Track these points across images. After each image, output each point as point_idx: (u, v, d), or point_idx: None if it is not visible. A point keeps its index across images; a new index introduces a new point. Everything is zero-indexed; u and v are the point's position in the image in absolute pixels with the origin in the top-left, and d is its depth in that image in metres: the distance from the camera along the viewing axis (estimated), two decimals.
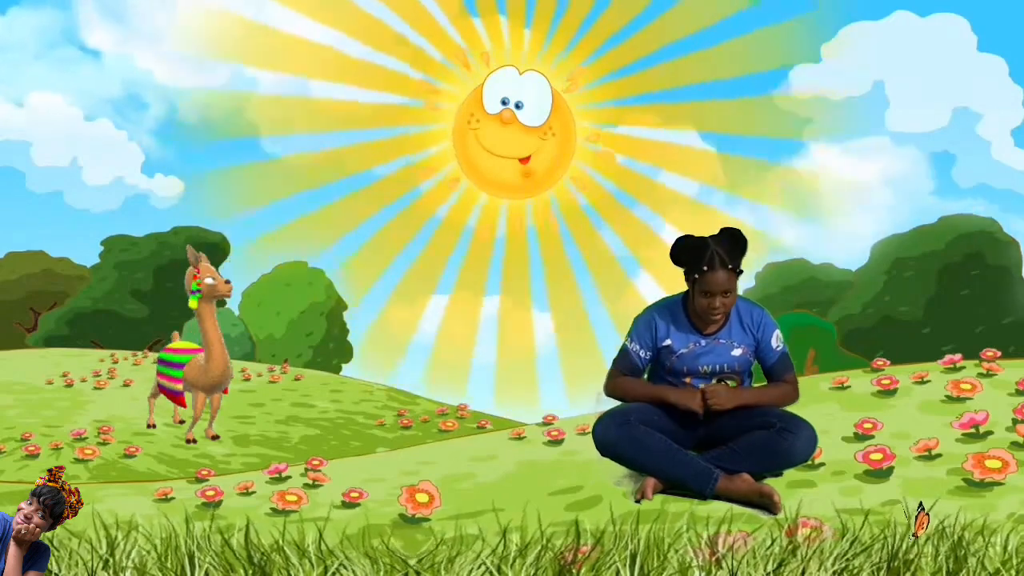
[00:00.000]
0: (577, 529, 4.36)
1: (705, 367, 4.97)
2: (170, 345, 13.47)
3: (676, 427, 4.99)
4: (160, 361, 13.34)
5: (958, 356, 7.66)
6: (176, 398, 13.11)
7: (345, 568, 4.01)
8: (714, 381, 5.00)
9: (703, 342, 4.97)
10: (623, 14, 19.92)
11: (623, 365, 5.11)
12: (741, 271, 4.89)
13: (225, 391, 12.81)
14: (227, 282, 12.24)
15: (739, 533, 4.33)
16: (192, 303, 12.33)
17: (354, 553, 4.35)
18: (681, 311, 5.02)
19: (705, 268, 4.79)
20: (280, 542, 4.46)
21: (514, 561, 4.02)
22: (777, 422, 4.91)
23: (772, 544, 4.19)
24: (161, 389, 13.26)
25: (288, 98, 20.54)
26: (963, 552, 3.97)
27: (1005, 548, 4.13)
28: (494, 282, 20.38)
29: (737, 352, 4.97)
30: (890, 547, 4.06)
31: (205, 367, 12.31)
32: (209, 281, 12.10)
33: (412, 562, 4.17)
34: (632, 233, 20.07)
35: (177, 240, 26.90)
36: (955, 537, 4.14)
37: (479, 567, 3.98)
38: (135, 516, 5.53)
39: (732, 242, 4.85)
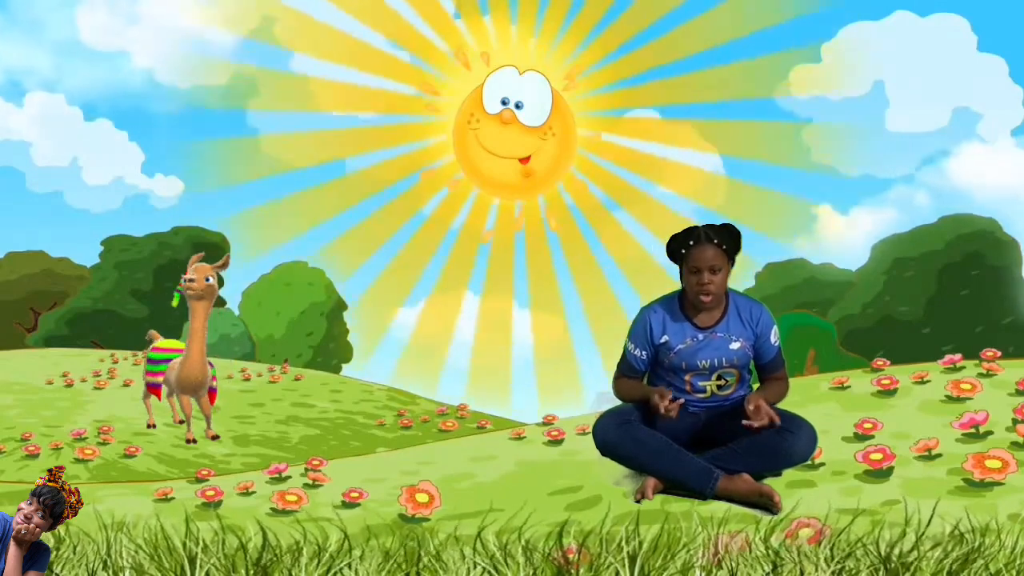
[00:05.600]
0: (560, 531, 4.36)
1: (704, 362, 4.98)
2: (156, 344, 13.71)
3: (676, 427, 5.00)
4: (148, 360, 13.60)
5: (958, 356, 7.65)
6: (153, 390, 13.35)
7: (349, 568, 4.01)
8: (714, 377, 5.00)
9: (700, 336, 4.98)
10: (628, 22, 19.92)
11: (624, 367, 5.13)
12: (732, 259, 4.93)
13: (212, 398, 12.82)
14: (205, 280, 12.01)
15: (732, 533, 4.33)
16: (175, 300, 12.39)
17: (369, 551, 4.35)
18: (677, 307, 5.03)
19: (692, 243, 4.87)
20: (300, 543, 4.46)
21: (507, 561, 4.01)
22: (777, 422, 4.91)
23: (752, 547, 4.19)
24: (147, 386, 13.50)
25: (292, 133, 20.58)
26: (973, 557, 3.96)
27: (1013, 549, 4.13)
28: (477, 280, 20.41)
29: (735, 346, 4.98)
30: (879, 549, 4.05)
31: (180, 368, 12.39)
32: (185, 279, 12.08)
33: (424, 560, 4.17)
34: (650, 217, 20.02)
35: (177, 240, 26.91)
36: (974, 544, 4.13)
37: (475, 567, 3.97)
38: (129, 516, 5.53)
39: (723, 227, 4.93)
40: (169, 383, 12.85)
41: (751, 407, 4.81)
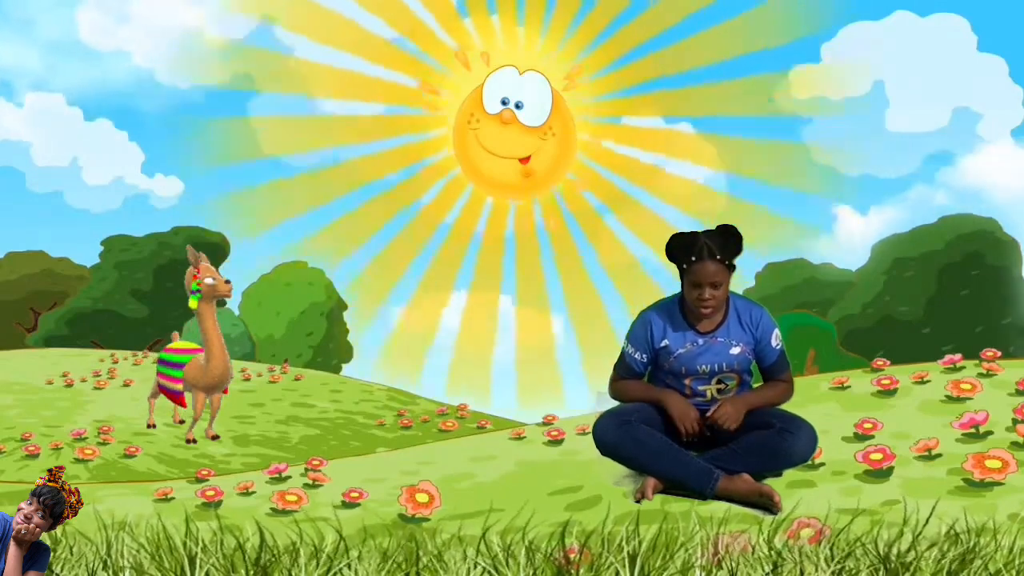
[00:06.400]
0: (563, 531, 4.36)
1: (703, 367, 4.96)
2: (170, 345, 13.54)
3: (676, 427, 4.99)
4: (160, 361, 13.41)
5: (958, 356, 7.65)
6: (176, 398, 13.19)
7: (348, 568, 4.01)
8: (713, 382, 4.99)
9: (701, 341, 4.96)
10: (615, 5, 19.92)
11: (622, 369, 5.11)
12: (734, 266, 4.90)
13: (225, 391, 12.87)
14: (227, 282, 12.34)
15: (734, 534, 4.33)
16: (192, 303, 12.42)
17: (367, 551, 4.35)
18: (678, 311, 5.01)
19: (693, 258, 4.82)
20: (298, 544, 4.46)
21: (507, 561, 4.01)
22: (777, 422, 4.91)
23: (755, 549, 4.19)
24: (161, 389, 13.33)
25: (290, 117, 20.59)
26: (971, 556, 3.96)
27: (1011, 549, 4.13)
28: (509, 282, 20.42)
29: (735, 351, 4.96)
30: (877, 549, 4.05)
31: (205, 367, 12.40)
32: (209, 281, 12.18)
33: (424, 560, 4.17)
34: (642, 225, 20.05)
35: (177, 240, 26.92)
36: (970, 544, 4.13)
37: (475, 567, 3.97)
38: (130, 516, 5.53)
39: (724, 236, 4.87)
40: (190, 384, 12.78)
41: (719, 418, 4.84)
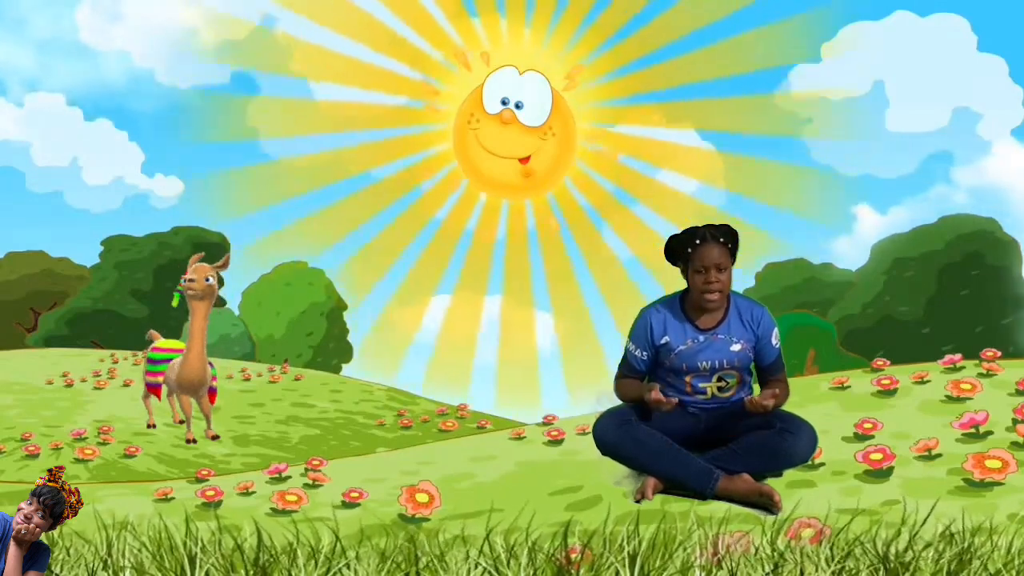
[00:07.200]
0: (565, 531, 4.36)
1: (704, 364, 4.96)
2: (156, 344, 13.74)
3: (676, 427, 4.99)
4: (148, 360, 13.63)
5: (958, 356, 7.66)
6: (153, 390, 13.39)
7: (348, 568, 4.01)
8: (714, 379, 4.99)
9: (701, 338, 4.96)
10: (623, 12, 19.94)
11: (625, 368, 5.12)
12: (734, 256, 4.91)
13: (212, 399, 12.81)
14: (205, 280, 12.03)
15: (737, 533, 4.33)
16: (175, 300, 12.43)
17: (365, 551, 4.35)
18: (679, 308, 5.00)
19: (697, 241, 4.84)
20: (295, 544, 4.45)
21: (508, 561, 4.01)
22: (777, 422, 4.90)
23: (757, 550, 4.19)
24: (148, 387, 13.53)
25: (288, 100, 20.58)
26: (968, 556, 3.96)
27: (1009, 550, 4.13)
28: (495, 282, 20.40)
29: (736, 348, 4.96)
30: (876, 548, 4.05)
31: (180, 368, 12.42)
32: (185, 279, 12.12)
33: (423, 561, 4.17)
34: (632, 232, 20.08)
35: (177, 240, 26.93)
36: (964, 544, 4.13)
37: (476, 567, 3.97)
38: (129, 516, 5.53)
39: (724, 226, 4.91)
40: (169, 383, 12.87)
41: (755, 403, 4.81)
